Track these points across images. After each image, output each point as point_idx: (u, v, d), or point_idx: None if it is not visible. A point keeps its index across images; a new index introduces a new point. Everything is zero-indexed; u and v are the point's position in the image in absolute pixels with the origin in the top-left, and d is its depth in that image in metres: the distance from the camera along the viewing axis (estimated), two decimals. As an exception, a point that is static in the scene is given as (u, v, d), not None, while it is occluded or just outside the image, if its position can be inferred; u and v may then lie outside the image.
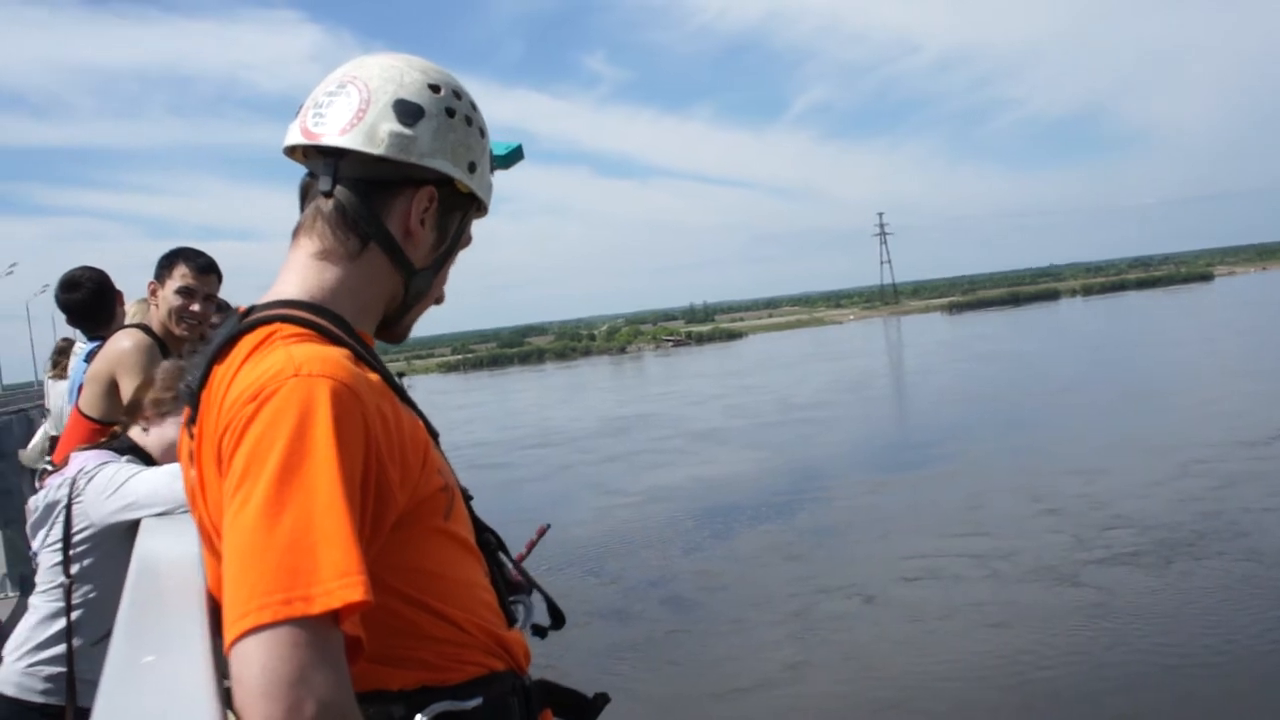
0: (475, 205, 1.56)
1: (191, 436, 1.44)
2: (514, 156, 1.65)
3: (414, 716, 1.32)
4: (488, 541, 1.53)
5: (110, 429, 3.51)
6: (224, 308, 4.42)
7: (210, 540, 1.47)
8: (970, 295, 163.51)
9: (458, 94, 1.52)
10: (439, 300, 1.63)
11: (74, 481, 2.71)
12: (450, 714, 1.34)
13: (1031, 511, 17.24)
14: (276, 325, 1.36)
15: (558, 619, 1.61)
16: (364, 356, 1.37)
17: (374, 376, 1.33)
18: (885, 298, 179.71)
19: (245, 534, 1.17)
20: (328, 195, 1.47)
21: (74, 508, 2.69)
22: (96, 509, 2.65)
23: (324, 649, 1.15)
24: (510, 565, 1.58)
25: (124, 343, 3.77)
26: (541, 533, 1.62)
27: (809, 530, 17.66)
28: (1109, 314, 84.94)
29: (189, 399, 1.43)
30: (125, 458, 2.79)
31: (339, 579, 1.14)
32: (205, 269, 4.00)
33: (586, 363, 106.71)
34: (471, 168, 1.51)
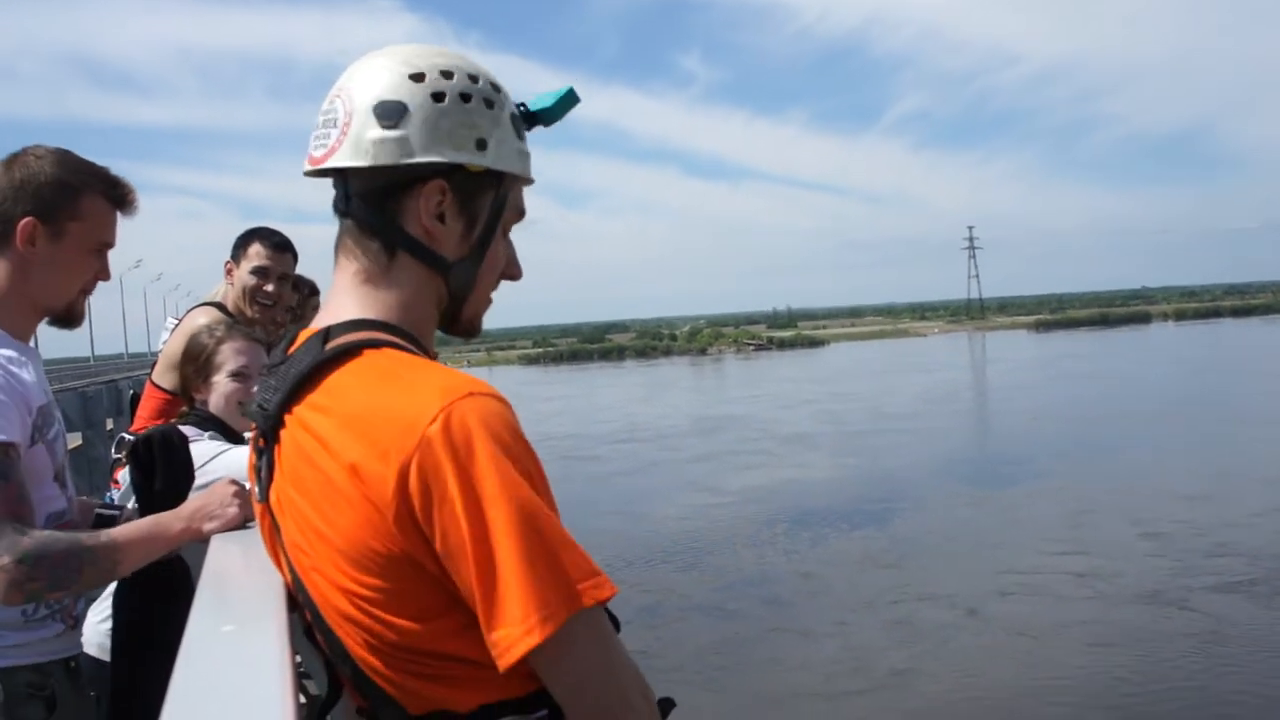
0: (507, 178, 1.50)
1: (260, 455, 1.48)
2: (566, 102, 1.54)
3: None
4: None
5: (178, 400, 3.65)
6: (300, 285, 4.57)
7: (275, 555, 1.54)
8: (1059, 314, 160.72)
9: (447, 73, 1.44)
10: (514, 277, 1.59)
11: None
12: None
13: (1132, 534, 16.97)
14: (374, 351, 1.37)
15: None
16: None
17: None
18: (971, 312, 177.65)
19: (495, 553, 1.24)
20: (344, 215, 1.48)
21: None
22: None
23: (610, 631, 1.34)
24: None
25: (199, 320, 3.80)
26: None
27: (905, 539, 17.58)
28: (1204, 340, 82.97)
29: (262, 420, 1.44)
30: (209, 433, 2.82)
31: (593, 577, 1.27)
32: (280, 247, 4.03)
33: (667, 362, 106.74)
34: (481, 144, 1.44)
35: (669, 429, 34.47)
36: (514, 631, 1.23)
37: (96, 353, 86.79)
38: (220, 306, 3.99)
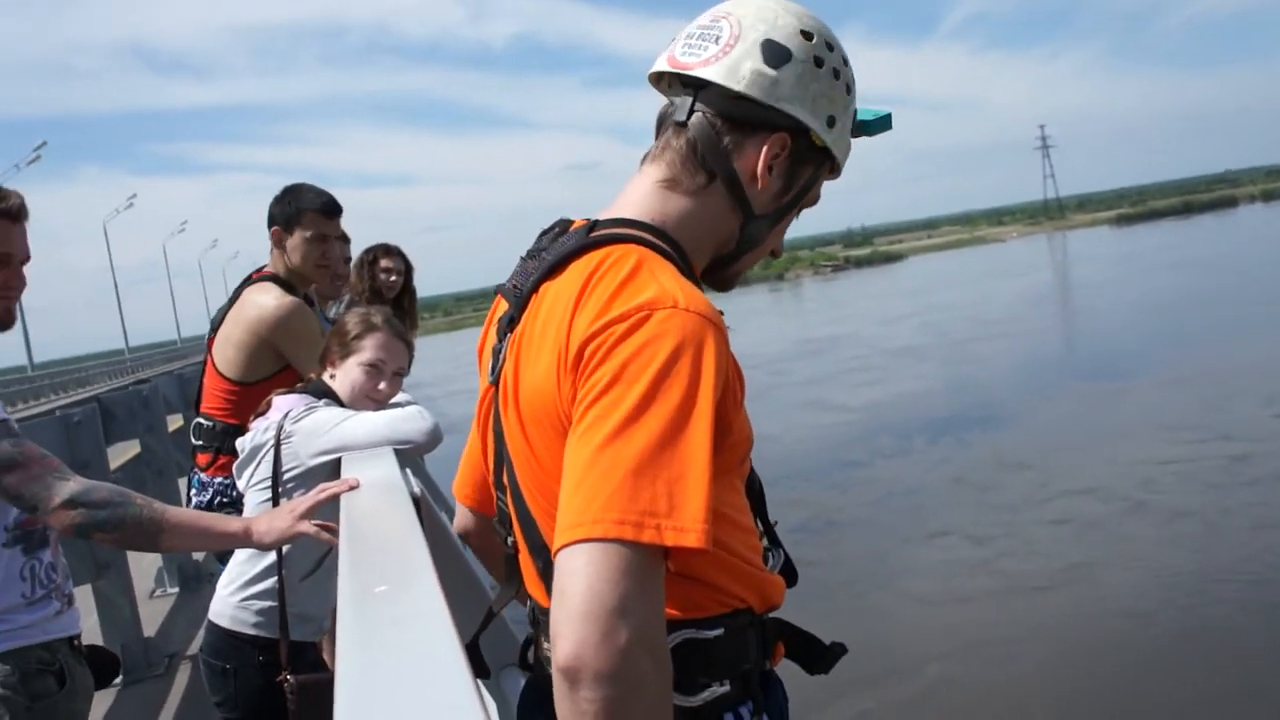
0: (828, 163, 1.54)
1: (499, 336, 1.52)
2: (881, 124, 1.61)
3: None
4: (754, 482, 1.55)
5: (242, 387, 3.72)
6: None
7: (484, 439, 1.58)
8: (1140, 207, 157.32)
9: (830, 45, 1.50)
10: (775, 254, 1.62)
11: (280, 425, 2.79)
12: (691, 641, 1.38)
13: (1270, 415, 16.64)
14: (631, 246, 1.38)
15: (791, 576, 1.58)
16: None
17: None
18: (1049, 213, 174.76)
19: (606, 447, 1.19)
20: (681, 126, 1.49)
21: (283, 448, 2.76)
22: (307, 448, 2.74)
23: (653, 581, 1.18)
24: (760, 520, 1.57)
25: (263, 300, 3.73)
26: None
27: (1042, 439, 17.34)
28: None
29: (514, 301, 1.49)
30: (324, 401, 2.87)
31: (697, 523, 1.17)
32: (332, 211, 3.88)
33: (744, 291, 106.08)
34: (831, 122, 1.49)
35: (773, 354, 34.22)
36: (571, 518, 1.19)
37: (183, 335, 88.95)
38: (277, 279, 3.82)
